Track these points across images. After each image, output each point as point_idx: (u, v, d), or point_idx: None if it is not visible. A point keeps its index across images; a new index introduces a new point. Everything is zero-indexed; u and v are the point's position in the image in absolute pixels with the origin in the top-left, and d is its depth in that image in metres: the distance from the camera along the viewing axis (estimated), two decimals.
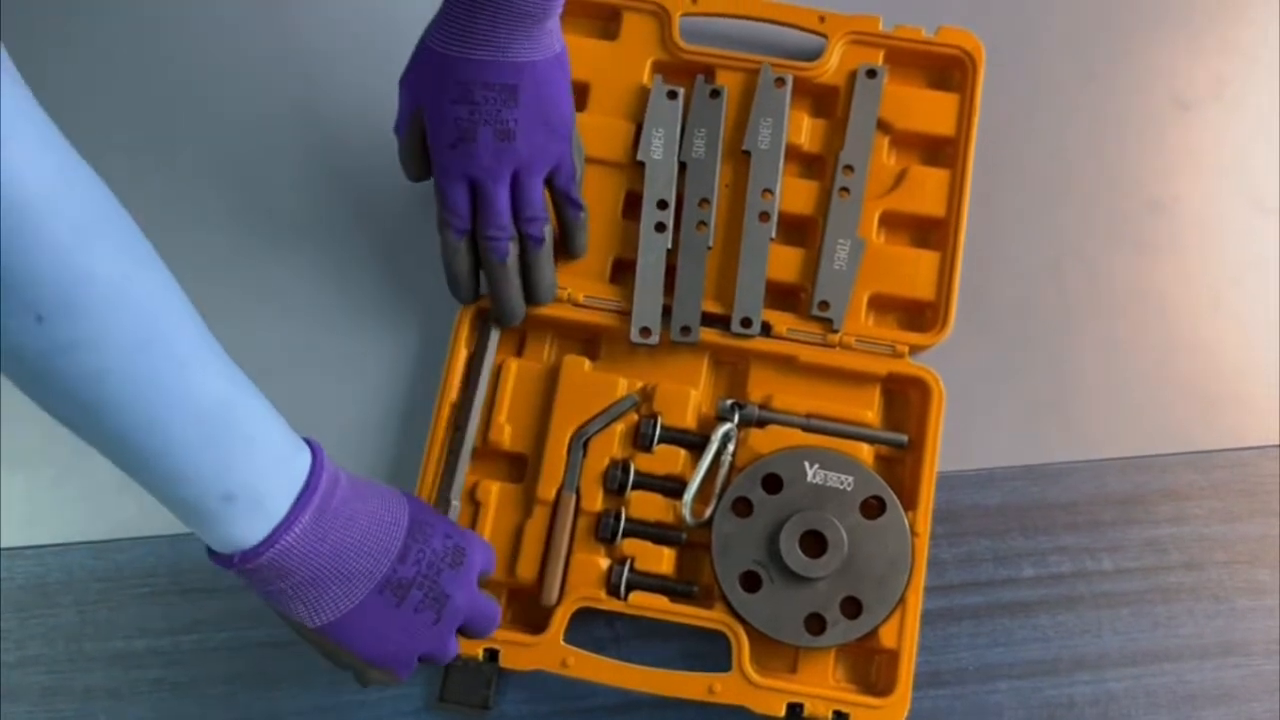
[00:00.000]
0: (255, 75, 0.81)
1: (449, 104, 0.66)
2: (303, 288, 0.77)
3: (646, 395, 0.72)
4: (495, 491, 0.71)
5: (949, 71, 0.77)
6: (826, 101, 0.77)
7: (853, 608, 0.67)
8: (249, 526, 0.51)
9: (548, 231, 0.70)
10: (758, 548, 0.68)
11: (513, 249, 0.69)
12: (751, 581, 0.68)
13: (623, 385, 0.72)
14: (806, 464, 0.69)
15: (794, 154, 0.76)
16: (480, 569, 0.62)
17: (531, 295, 0.72)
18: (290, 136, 0.80)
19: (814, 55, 0.77)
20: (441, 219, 0.69)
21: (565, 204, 0.71)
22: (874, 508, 0.69)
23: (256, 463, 0.51)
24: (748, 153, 0.75)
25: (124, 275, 0.46)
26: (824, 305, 0.72)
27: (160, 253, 0.49)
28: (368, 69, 0.78)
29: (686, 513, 0.70)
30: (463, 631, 0.62)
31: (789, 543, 0.68)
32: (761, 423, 0.71)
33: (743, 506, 0.69)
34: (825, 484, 0.69)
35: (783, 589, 0.68)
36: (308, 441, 0.55)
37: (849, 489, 0.69)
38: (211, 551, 0.53)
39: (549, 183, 0.70)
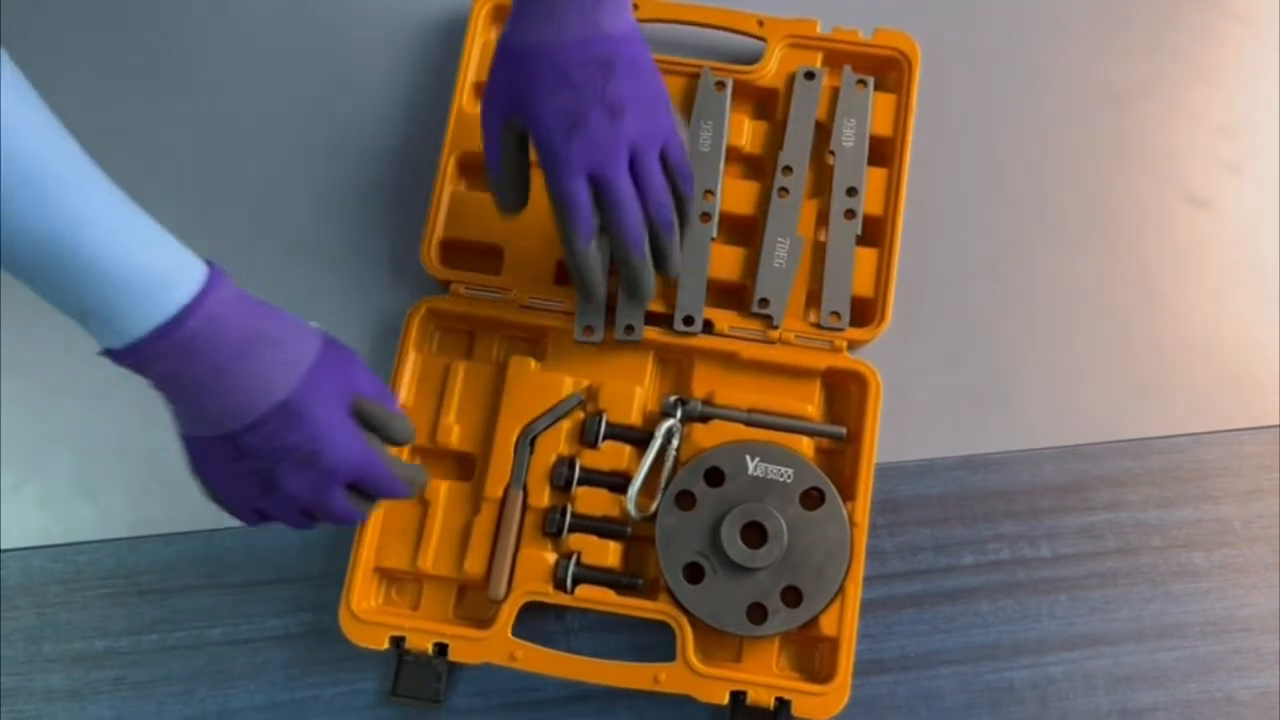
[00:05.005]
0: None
1: (548, 95, 0.62)
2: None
3: (592, 393, 0.74)
4: (444, 490, 0.72)
5: (886, 72, 0.79)
6: (766, 104, 0.79)
7: (793, 597, 0.69)
8: (110, 338, 0.53)
9: (674, 214, 0.67)
10: (700, 540, 0.70)
11: (646, 239, 0.66)
12: (695, 573, 0.70)
13: (569, 384, 0.74)
14: (748, 457, 0.71)
15: (735, 155, 0.78)
16: (347, 479, 0.60)
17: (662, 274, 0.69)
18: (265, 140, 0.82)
19: (754, 59, 0.78)
20: (569, 228, 0.64)
21: (682, 180, 0.67)
22: (814, 499, 0.71)
23: (104, 290, 0.52)
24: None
25: None
26: (764, 302, 0.74)
27: None
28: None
29: (631, 507, 0.71)
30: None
31: (730, 534, 0.69)
32: (704, 418, 0.73)
33: (686, 500, 0.71)
34: (766, 476, 0.71)
35: (725, 580, 0.69)
36: (213, 278, 0.54)
37: (789, 481, 0.71)
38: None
39: (663, 160, 0.66)
